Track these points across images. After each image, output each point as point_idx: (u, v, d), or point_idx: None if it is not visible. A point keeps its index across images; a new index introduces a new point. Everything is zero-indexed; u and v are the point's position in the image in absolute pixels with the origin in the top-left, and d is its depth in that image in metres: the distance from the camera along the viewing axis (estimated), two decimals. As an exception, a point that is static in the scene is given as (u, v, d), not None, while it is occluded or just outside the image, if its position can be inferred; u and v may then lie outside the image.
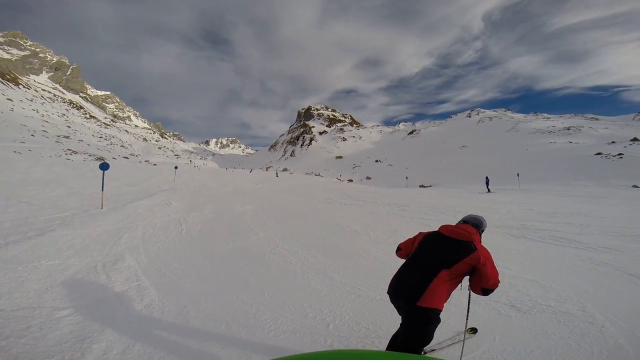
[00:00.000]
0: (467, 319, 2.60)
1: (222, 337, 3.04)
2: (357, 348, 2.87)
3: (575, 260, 5.40)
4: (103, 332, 2.97)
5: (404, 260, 2.54)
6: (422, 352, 2.50)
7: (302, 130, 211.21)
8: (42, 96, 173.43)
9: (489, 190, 21.17)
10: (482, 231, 2.49)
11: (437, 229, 2.49)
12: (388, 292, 2.37)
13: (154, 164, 64.83)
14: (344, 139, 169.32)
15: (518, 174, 26.88)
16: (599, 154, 38.50)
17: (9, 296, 3.51)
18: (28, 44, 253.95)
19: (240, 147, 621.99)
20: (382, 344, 2.88)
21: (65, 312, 3.32)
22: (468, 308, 2.61)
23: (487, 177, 23.43)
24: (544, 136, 76.61)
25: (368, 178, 61.94)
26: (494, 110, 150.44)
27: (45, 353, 2.58)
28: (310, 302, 3.81)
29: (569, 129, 79.31)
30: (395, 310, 2.37)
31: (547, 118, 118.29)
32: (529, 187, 23.31)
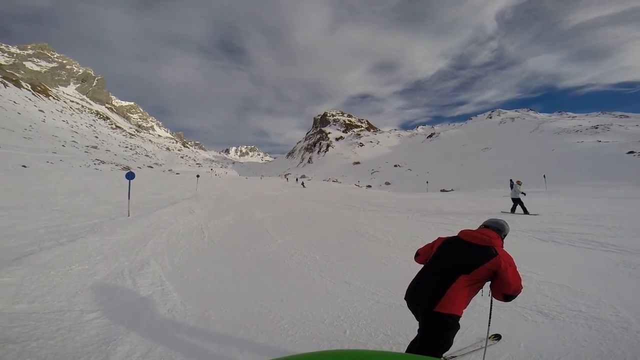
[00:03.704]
0: (489, 325, 2.55)
1: (241, 342, 3.09)
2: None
3: (608, 263, 5.13)
4: (127, 335, 3.09)
5: (422, 266, 2.51)
6: (442, 359, 2.45)
7: (318, 136, 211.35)
8: (70, 107, 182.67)
9: (513, 193, 20.48)
10: (505, 236, 2.42)
11: (456, 234, 2.45)
12: (405, 298, 2.36)
13: (177, 173, 66.70)
14: (361, 145, 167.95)
15: (544, 176, 25.86)
16: (632, 152, 36.48)
17: (42, 299, 3.71)
18: (55, 55, 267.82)
19: (259, 154, 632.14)
20: (400, 351, 2.84)
21: (93, 315, 3.47)
22: (490, 314, 2.55)
23: (511, 180, 22.68)
24: (571, 136, 73.35)
25: (387, 183, 61.24)
26: (516, 111, 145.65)
27: (72, 355, 2.70)
28: (328, 308, 3.81)
29: (596, 128, 75.50)
30: (414, 316, 2.34)
31: (573, 117, 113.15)
32: (557, 189, 22.39)
